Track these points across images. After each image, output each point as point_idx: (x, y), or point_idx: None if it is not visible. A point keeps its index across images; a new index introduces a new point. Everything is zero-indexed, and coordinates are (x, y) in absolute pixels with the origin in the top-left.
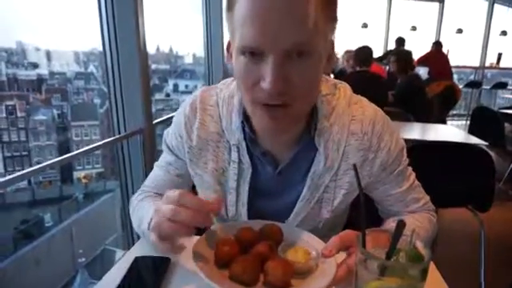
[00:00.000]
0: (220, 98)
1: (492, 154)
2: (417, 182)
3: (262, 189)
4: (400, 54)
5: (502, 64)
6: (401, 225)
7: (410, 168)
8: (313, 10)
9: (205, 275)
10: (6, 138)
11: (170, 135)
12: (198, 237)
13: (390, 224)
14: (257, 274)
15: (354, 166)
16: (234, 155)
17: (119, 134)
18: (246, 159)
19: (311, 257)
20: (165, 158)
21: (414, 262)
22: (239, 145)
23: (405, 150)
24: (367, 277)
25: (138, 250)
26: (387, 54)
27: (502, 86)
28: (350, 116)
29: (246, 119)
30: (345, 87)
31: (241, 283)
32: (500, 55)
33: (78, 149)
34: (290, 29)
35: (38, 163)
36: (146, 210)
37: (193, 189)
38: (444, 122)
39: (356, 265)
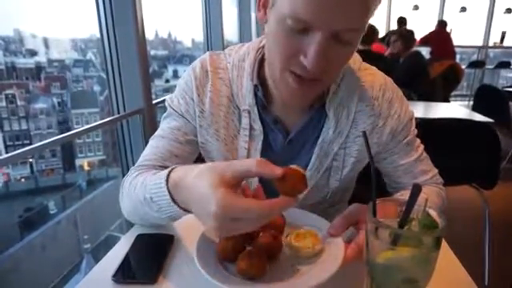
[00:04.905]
0: (229, 62)
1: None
2: (425, 155)
3: (271, 159)
4: (403, 33)
5: (506, 43)
6: (417, 188)
7: (418, 140)
8: None
9: (210, 276)
10: (7, 128)
11: (175, 100)
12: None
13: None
14: (264, 268)
15: (364, 133)
16: (245, 121)
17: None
18: (257, 125)
19: (318, 240)
20: (169, 124)
21: (429, 229)
22: (251, 110)
23: (414, 121)
24: (379, 247)
25: (140, 227)
26: (388, 34)
27: (506, 65)
28: (360, 82)
29: (260, 84)
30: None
31: (248, 278)
32: (504, 34)
33: (80, 138)
34: (349, 12)
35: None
36: (157, 175)
37: (195, 162)
38: (447, 102)
39: (367, 235)
